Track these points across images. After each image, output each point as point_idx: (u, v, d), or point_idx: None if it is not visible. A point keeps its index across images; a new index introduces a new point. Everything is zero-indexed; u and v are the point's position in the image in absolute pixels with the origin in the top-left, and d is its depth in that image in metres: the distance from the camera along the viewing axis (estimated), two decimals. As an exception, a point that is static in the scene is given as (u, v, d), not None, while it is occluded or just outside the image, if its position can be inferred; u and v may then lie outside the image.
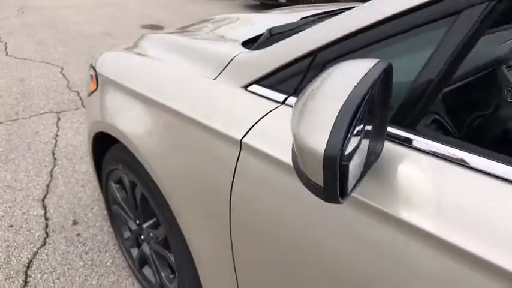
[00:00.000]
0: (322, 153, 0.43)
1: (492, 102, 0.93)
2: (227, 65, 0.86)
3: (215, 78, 0.88)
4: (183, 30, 1.50)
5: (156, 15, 6.70)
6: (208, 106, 0.84)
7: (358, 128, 0.46)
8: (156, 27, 5.74)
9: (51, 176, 2.13)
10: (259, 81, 0.79)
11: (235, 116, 0.78)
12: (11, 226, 1.76)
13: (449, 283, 0.50)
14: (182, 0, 8.49)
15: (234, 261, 0.88)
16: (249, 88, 0.80)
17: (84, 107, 3.01)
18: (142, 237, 1.32)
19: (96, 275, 1.52)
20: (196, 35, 1.32)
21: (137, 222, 1.32)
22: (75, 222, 1.79)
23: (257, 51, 0.84)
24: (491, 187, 0.50)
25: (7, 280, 1.49)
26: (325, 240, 0.64)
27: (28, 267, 1.55)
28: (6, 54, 4.20)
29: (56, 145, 2.44)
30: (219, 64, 0.88)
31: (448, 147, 0.55)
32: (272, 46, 0.79)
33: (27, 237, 1.70)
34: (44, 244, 1.66)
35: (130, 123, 1.07)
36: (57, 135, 2.56)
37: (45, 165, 2.22)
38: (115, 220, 1.48)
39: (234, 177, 0.77)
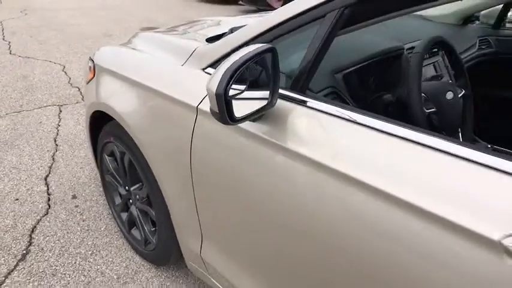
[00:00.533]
0: (215, 92, 0.71)
1: (393, 83, 1.18)
2: (191, 54, 1.13)
3: (183, 65, 1.14)
4: (170, 29, 1.76)
5: (156, 18, 6.98)
6: (176, 84, 1.10)
7: (241, 82, 0.75)
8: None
9: (53, 159, 2.38)
10: (212, 65, 1.05)
11: (194, 89, 1.04)
12: (17, 199, 2.01)
13: (318, 188, 0.76)
14: (183, 4, 8.79)
15: (197, 211, 1.14)
16: (205, 70, 1.06)
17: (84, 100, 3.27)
18: (131, 201, 1.58)
19: (92, 237, 1.77)
20: (178, 33, 1.58)
21: (126, 188, 1.57)
22: (74, 197, 2.04)
23: (212, 43, 1.10)
24: (370, 136, 0.74)
25: (14, 241, 1.74)
26: (260, 180, 0.89)
27: (32, 231, 1.80)
28: (10, 52, 4.46)
29: (57, 134, 2.70)
30: (186, 54, 1.14)
31: (334, 106, 0.81)
32: (222, 39, 1.06)
33: (31, 208, 1.95)
34: (46, 214, 1.91)
35: (121, 103, 1.32)
36: (59, 125, 2.82)
37: (48, 150, 2.47)
38: (108, 189, 1.74)
39: (192, 138, 1.02)
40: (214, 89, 0.70)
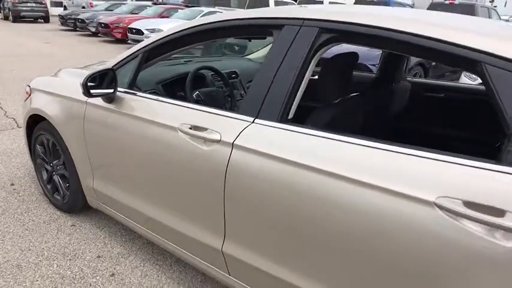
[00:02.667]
0: (82, 82, 1.75)
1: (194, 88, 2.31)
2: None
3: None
4: (84, 67, 2.75)
5: (84, 63, 7.87)
6: (77, 91, 2.09)
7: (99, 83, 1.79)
8: (84, 74, 6.91)
9: (-6, 164, 3.17)
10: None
11: None
12: (-33, 189, 2.77)
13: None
14: (109, 53, 9.78)
15: (90, 162, 2.09)
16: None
17: (19, 127, 4.05)
18: (54, 173, 2.47)
19: (26, 204, 2.59)
20: (87, 68, 2.58)
21: (50, 164, 2.47)
22: (12, 184, 2.85)
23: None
24: (173, 108, 1.78)
25: (-32, 210, 2.51)
26: (122, 137, 1.88)
27: (-19, 204, 2.58)
28: (-51, 92, 5.08)
29: (-4, 148, 3.47)
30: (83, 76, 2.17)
31: (152, 96, 1.85)
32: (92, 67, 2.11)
33: (-21, 192, 2.73)
34: (-9, 195, 2.70)
35: (49, 108, 2.27)
36: (-3, 143, 3.59)
37: (-11, 159, 3.25)
38: (38, 169, 2.60)
39: (84, 120, 2.01)
40: (81, 81, 1.73)
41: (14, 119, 4.28)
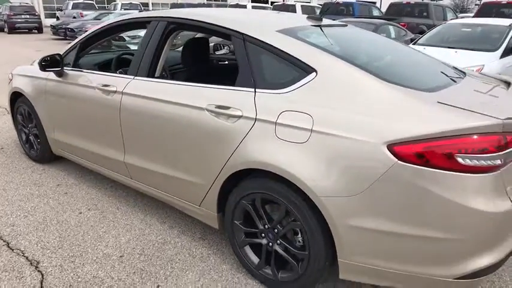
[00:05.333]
0: (38, 61, 2.79)
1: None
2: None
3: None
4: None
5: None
6: (42, 73, 3.07)
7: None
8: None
9: (-12, 137, 4.16)
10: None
11: (46, 73, 3.02)
12: (-32, 152, 3.76)
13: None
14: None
15: (52, 119, 3.07)
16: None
17: (8, 113, 5.04)
18: (29, 134, 3.45)
19: (11, 159, 3.58)
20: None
21: (27, 128, 3.46)
22: (2, 148, 3.84)
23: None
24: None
25: (-32, 164, 3.49)
26: (71, 99, 2.86)
27: (-22, 160, 3.57)
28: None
29: (-10, 128, 4.47)
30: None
31: (85, 71, 2.82)
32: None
33: (-23, 154, 3.71)
34: (-14, 155, 3.69)
35: (24, 86, 3.26)
36: (-9, 124, 4.58)
37: (-15, 134, 4.24)
38: (20, 133, 3.60)
39: (45, 90, 2.99)
40: (37, 61, 2.71)
41: (6, 109, 5.28)
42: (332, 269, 1.84)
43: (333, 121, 1.62)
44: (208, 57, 3.05)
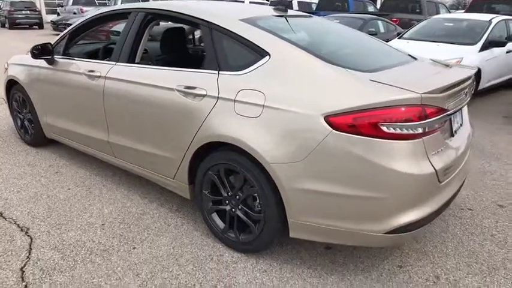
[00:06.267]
0: (29, 50, 3.02)
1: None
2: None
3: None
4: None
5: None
6: (35, 61, 3.30)
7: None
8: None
9: (-13, 124, 4.41)
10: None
11: (37, 61, 3.24)
12: (-33, 137, 4.01)
13: None
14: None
15: (44, 105, 3.30)
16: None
17: (6, 103, 5.29)
18: (24, 119, 3.69)
19: (7, 143, 3.82)
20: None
21: (22, 113, 3.69)
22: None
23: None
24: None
25: (-32, 147, 3.74)
26: (62, 86, 3.10)
27: (-23, 144, 3.81)
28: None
29: (-11, 116, 4.71)
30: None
31: (73, 59, 3.06)
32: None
33: (-24, 139, 3.96)
34: (-16, 139, 3.94)
35: (19, 74, 3.49)
36: (-10, 113, 4.83)
37: (-17, 122, 4.49)
38: (15, 119, 3.84)
39: (39, 76, 3.23)
40: (30, 50, 2.94)
41: (3, 99, 5.52)
42: (284, 231, 2.08)
43: (281, 97, 1.86)
44: (185, 44, 3.27)
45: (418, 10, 11.41)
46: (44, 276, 2.01)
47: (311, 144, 1.76)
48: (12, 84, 3.69)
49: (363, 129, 1.67)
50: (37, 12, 19.66)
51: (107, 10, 2.91)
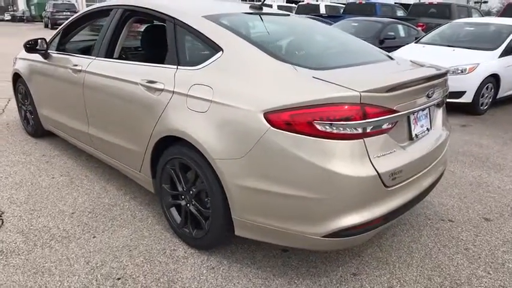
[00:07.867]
0: (23, 44, 3.15)
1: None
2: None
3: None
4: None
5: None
6: (34, 56, 3.47)
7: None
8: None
9: (3, 111, 4.67)
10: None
11: (37, 57, 3.41)
12: (-21, 126, 4.27)
13: None
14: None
15: (41, 97, 3.47)
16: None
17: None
18: (26, 110, 3.88)
19: (12, 132, 4.04)
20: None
21: (25, 104, 3.89)
22: (7, 124, 4.33)
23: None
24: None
25: (-24, 135, 3.99)
26: (54, 79, 3.24)
27: (-15, 133, 4.06)
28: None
29: (5, 107, 5.00)
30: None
31: (67, 54, 3.19)
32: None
33: (-14, 128, 4.22)
34: (-7, 129, 4.19)
35: (23, 68, 3.69)
36: (6, 105, 5.12)
37: (2, 109, 4.77)
38: (20, 110, 4.05)
39: (36, 70, 3.39)
40: (24, 44, 3.10)
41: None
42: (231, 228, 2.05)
43: (227, 92, 1.84)
44: (162, 40, 3.31)
45: (447, 15, 10.95)
46: (1, 257, 2.10)
47: (251, 140, 1.73)
48: (17, 78, 3.91)
49: (299, 127, 1.62)
50: (76, 13, 20.69)
51: (92, 8, 3.02)
